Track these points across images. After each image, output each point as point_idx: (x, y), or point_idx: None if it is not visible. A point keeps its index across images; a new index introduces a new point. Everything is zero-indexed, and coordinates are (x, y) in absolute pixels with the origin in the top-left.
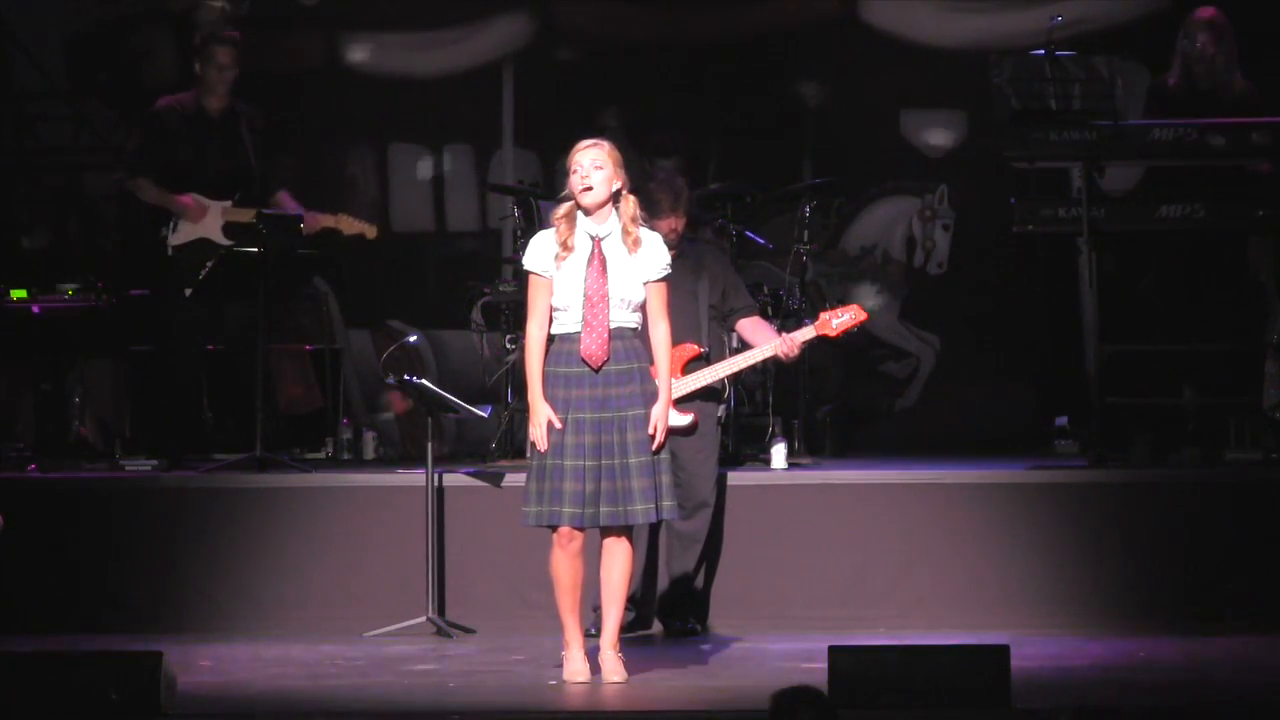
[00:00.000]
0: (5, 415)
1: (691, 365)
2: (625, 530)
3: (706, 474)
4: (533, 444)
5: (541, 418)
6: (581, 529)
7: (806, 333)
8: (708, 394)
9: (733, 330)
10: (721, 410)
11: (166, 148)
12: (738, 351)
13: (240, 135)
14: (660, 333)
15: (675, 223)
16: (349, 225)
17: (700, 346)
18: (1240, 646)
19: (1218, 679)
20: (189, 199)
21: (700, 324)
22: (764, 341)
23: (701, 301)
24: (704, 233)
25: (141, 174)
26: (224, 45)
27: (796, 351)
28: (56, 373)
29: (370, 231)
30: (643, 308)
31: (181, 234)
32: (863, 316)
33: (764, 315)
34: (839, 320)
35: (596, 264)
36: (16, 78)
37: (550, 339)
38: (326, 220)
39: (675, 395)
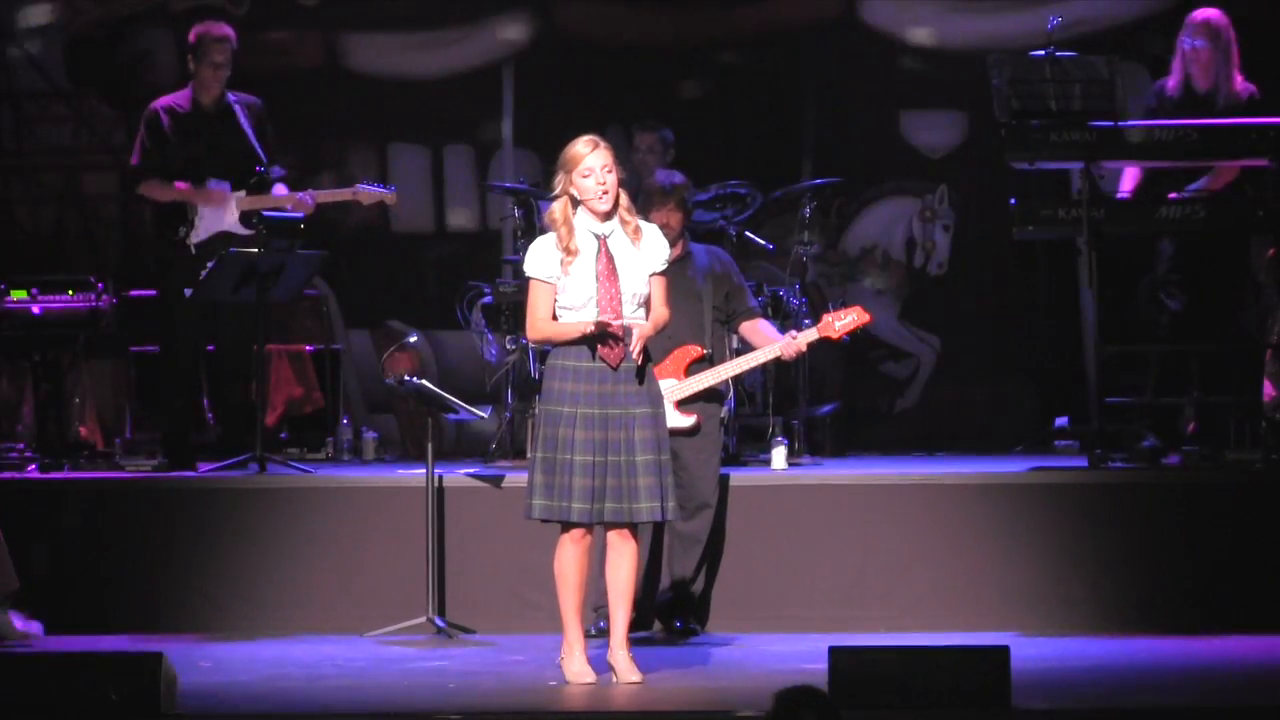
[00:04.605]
0: (5, 415)
1: (694, 367)
2: (632, 529)
3: (708, 475)
4: (539, 440)
5: (589, 325)
6: (589, 525)
7: (809, 334)
8: (710, 395)
9: (735, 333)
10: (724, 411)
11: (169, 149)
12: (739, 354)
13: (239, 124)
14: (660, 313)
15: (667, 216)
16: (367, 196)
17: (703, 348)
18: (1240, 646)
19: (1218, 679)
20: (200, 191)
21: (704, 325)
22: (765, 344)
23: (705, 303)
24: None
25: (149, 177)
26: (218, 43)
27: (800, 353)
28: (56, 373)
29: (390, 198)
30: (647, 301)
31: (201, 230)
32: (865, 318)
33: (764, 316)
34: (841, 322)
35: (605, 263)
36: (17, 78)
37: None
38: (344, 194)
39: (679, 397)
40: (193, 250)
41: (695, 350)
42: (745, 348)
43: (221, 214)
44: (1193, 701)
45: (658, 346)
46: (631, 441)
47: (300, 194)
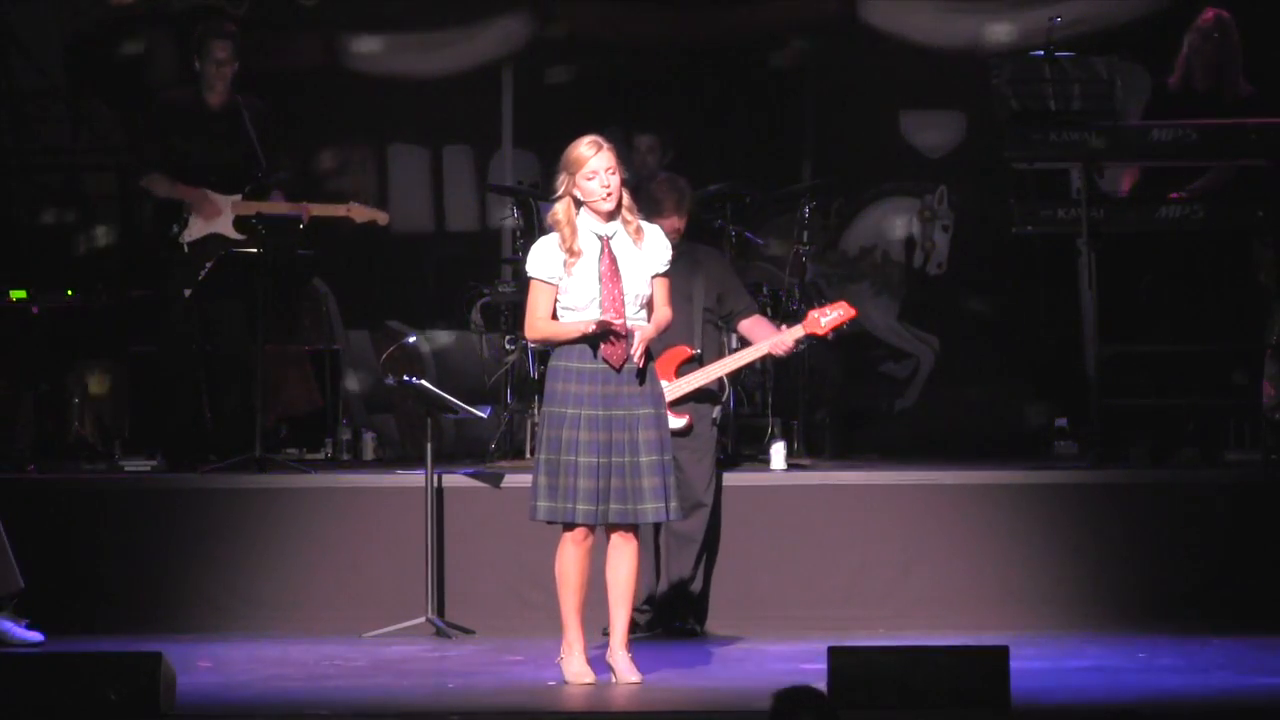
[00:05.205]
0: (5, 415)
1: (684, 367)
2: (633, 529)
3: (702, 474)
4: (543, 442)
5: (591, 324)
6: (593, 526)
7: (795, 332)
8: (702, 395)
9: (735, 333)
10: (717, 411)
11: (171, 144)
12: (736, 353)
13: (243, 127)
14: (662, 314)
15: (678, 223)
16: (360, 213)
17: (692, 348)
18: (1240, 646)
19: (1218, 679)
20: (200, 192)
21: (693, 326)
22: (765, 340)
23: (696, 304)
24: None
25: (152, 170)
26: (221, 40)
27: (790, 351)
28: (56, 373)
29: (382, 218)
30: (649, 302)
31: (194, 230)
32: (851, 313)
33: (761, 313)
34: (827, 318)
35: (608, 265)
36: (17, 78)
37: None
38: (337, 210)
39: (671, 398)
40: (184, 249)
41: (684, 351)
42: (746, 346)
43: (215, 217)
44: (1193, 701)
45: (653, 347)
46: (635, 442)
47: (295, 206)
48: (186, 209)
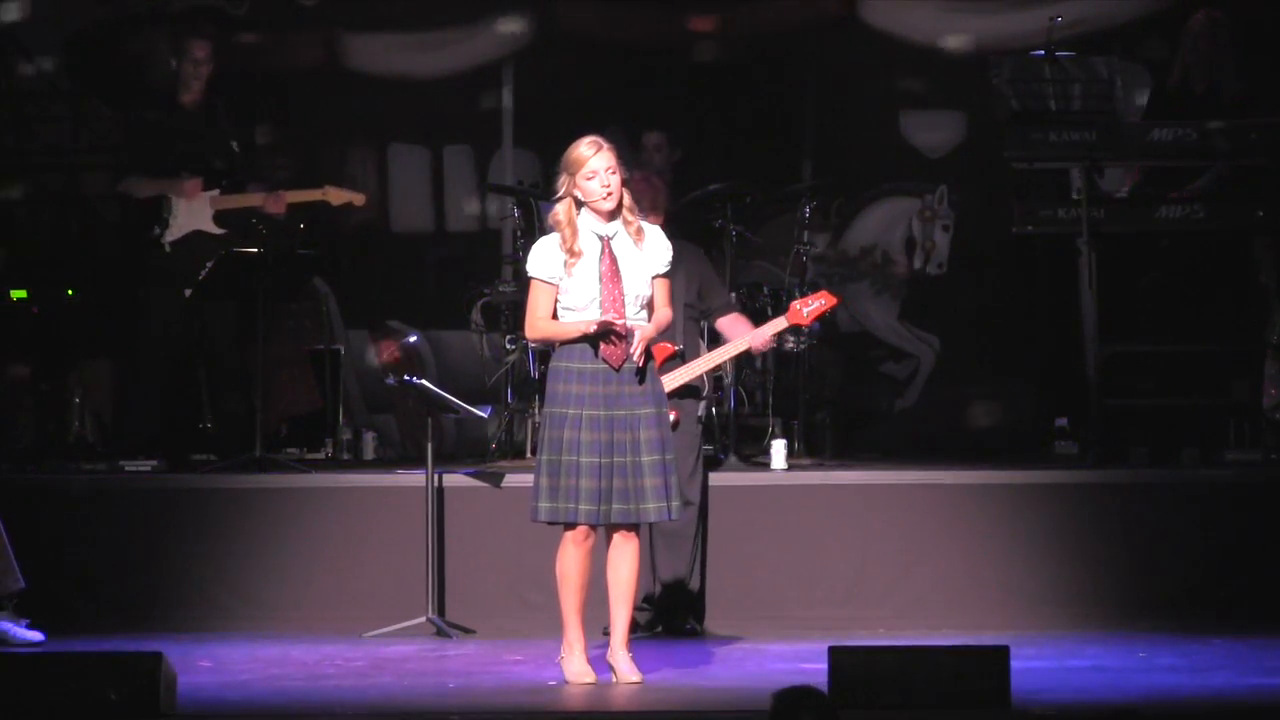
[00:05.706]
0: (5, 415)
1: (667, 364)
2: (634, 529)
3: (687, 470)
4: (544, 443)
5: (591, 325)
6: (595, 526)
7: (778, 323)
8: (687, 392)
9: (715, 330)
10: (701, 408)
11: (149, 145)
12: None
13: (219, 124)
14: (662, 314)
15: (656, 220)
16: (336, 195)
17: (674, 345)
18: (1240, 646)
19: (1218, 679)
20: (176, 183)
21: (675, 323)
22: (741, 338)
23: (677, 300)
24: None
25: (128, 174)
26: (199, 40)
27: (768, 344)
28: (56, 373)
29: (358, 199)
30: (649, 302)
31: (175, 230)
32: (833, 301)
33: (763, 316)
34: (809, 308)
35: (608, 265)
36: (17, 78)
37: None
38: (313, 194)
39: None
40: (167, 249)
41: (666, 348)
42: (719, 343)
43: (195, 212)
44: (1193, 701)
45: None
46: (637, 442)
47: (270, 195)
48: (166, 209)
